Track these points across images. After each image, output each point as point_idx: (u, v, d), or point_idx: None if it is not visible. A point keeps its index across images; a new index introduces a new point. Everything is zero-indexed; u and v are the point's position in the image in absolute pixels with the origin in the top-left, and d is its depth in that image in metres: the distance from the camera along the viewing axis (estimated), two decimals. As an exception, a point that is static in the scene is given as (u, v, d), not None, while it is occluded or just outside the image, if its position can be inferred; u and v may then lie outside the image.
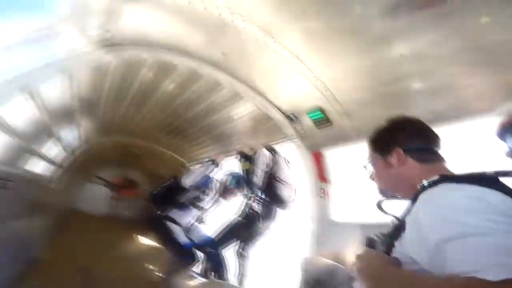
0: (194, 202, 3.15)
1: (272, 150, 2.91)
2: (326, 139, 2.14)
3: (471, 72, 1.30)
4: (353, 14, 1.25)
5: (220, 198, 3.20)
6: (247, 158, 2.68)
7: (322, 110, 1.95)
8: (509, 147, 0.93)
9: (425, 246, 0.64)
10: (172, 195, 3.06)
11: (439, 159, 0.90)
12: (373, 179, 1.04)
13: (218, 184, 3.17)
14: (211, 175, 3.09)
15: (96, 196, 5.65)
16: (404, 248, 0.74)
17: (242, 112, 2.44)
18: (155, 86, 2.19)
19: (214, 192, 3.21)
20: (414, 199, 0.78)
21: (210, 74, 1.90)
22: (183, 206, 3.07)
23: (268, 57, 1.70)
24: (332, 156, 2.22)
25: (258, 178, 2.66)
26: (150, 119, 2.98)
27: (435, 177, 0.78)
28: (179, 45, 1.71)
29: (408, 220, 0.75)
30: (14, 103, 1.28)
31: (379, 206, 0.90)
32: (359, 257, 0.86)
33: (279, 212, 2.88)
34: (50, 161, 2.57)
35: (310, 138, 2.21)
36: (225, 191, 3.12)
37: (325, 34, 1.44)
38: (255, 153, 2.73)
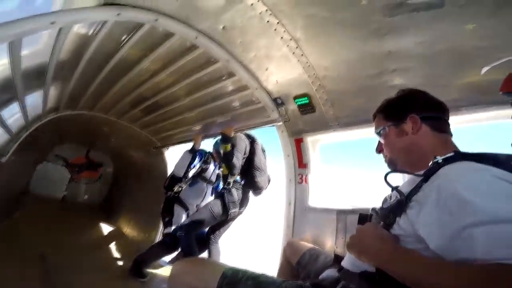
0: (201, 175, 3.27)
1: (250, 138, 2.97)
2: (308, 125, 2.22)
3: (448, 74, 1.42)
4: (358, 7, 1.31)
5: (217, 164, 3.30)
6: (228, 140, 2.68)
7: (308, 97, 2.03)
8: None
9: (448, 228, 0.61)
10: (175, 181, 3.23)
11: (450, 131, 0.91)
12: (380, 151, 1.05)
13: (214, 153, 3.28)
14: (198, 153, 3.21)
15: (52, 177, 5.18)
16: (413, 225, 0.71)
17: (230, 91, 2.42)
18: (143, 56, 2.08)
19: (213, 161, 3.35)
20: (427, 176, 0.75)
21: (206, 46, 1.86)
22: (192, 183, 3.25)
23: (268, 37, 1.72)
24: (312, 142, 2.30)
25: (239, 160, 2.70)
26: (125, 93, 2.79)
27: (449, 153, 0.76)
28: (181, 14, 1.66)
29: (422, 199, 0.72)
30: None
31: (385, 178, 0.87)
32: (359, 229, 0.83)
33: (252, 198, 2.98)
34: (7, 129, 2.27)
35: (293, 123, 2.28)
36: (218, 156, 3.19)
37: (326, 23, 1.49)
38: (234, 137, 2.78)
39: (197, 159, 3.23)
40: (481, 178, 0.64)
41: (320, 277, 1.16)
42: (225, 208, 2.76)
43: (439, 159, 0.76)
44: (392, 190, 0.88)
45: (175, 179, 3.25)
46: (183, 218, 3.13)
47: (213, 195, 3.03)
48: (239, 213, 2.98)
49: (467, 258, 0.57)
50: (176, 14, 1.66)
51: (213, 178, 3.31)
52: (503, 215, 0.56)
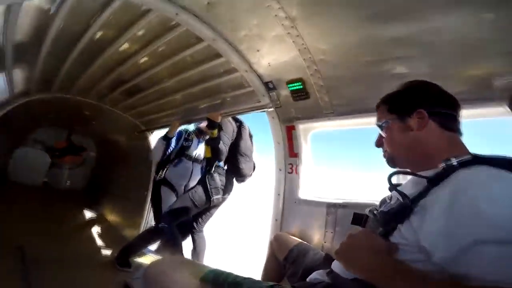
0: (184, 154, 3.15)
1: (237, 121, 2.83)
2: (300, 112, 2.10)
3: (455, 65, 1.32)
4: None
5: (201, 140, 3.21)
6: (215, 126, 2.54)
7: (303, 82, 1.89)
8: None
9: (457, 240, 0.57)
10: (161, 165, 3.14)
11: (459, 130, 0.83)
12: (380, 145, 0.96)
13: (196, 130, 3.21)
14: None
15: (32, 163, 4.93)
16: (416, 233, 0.66)
17: (217, 73, 2.26)
18: (118, 33, 1.89)
19: (196, 138, 3.24)
20: (438, 180, 0.68)
21: (188, 24, 1.68)
22: (176, 162, 3.12)
23: (261, 15, 1.55)
24: (304, 130, 2.19)
25: (226, 146, 2.59)
26: (105, 74, 2.59)
27: (465, 155, 0.68)
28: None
29: (430, 204, 0.66)
30: None
31: (389, 179, 0.82)
32: (350, 237, 0.77)
33: (235, 185, 2.89)
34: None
35: (285, 110, 2.15)
36: (200, 133, 3.16)
37: (326, 2, 1.35)
38: (222, 121, 2.63)
39: (173, 143, 3.15)
40: (506, 190, 0.58)
41: (308, 278, 1.09)
42: (208, 194, 2.63)
43: (454, 161, 0.68)
44: (396, 192, 0.78)
45: (158, 163, 3.17)
46: (172, 200, 3.01)
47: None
48: (223, 200, 2.86)
49: (471, 274, 0.54)
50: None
51: (199, 156, 3.20)
52: None
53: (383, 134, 0.93)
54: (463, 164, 0.67)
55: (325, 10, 1.40)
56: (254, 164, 2.94)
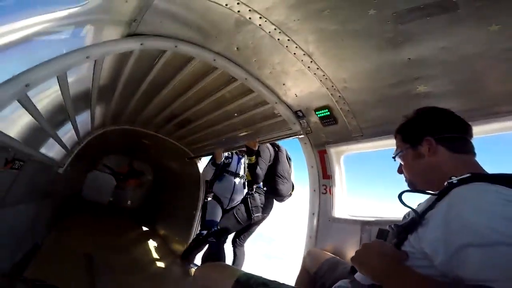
0: (226, 170, 3.50)
1: (276, 146, 3.03)
2: (331, 137, 2.20)
3: (475, 79, 1.33)
4: (367, 17, 1.29)
5: (241, 157, 3.55)
6: (252, 153, 2.77)
7: (329, 109, 2.01)
8: None
9: (450, 246, 0.63)
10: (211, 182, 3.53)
11: (471, 150, 0.88)
12: (401, 172, 1.03)
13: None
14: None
15: (101, 184, 5.75)
16: (420, 243, 0.73)
17: (251, 106, 2.51)
18: (170, 77, 2.27)
19: (236, 154, 3.59)
20: (440, 195, 0.75)
21: (224, 67, 1.97)
22: (220, 178, 3.47)
23: (281, 54, 1.75)
24: (336, 154, 2.27)
25: (262, 170, 2.78)
26: (160, 110, 3.05)
27: (466, 174, 0.74)
28: (197, 39, 1.79)
29: (431, 216, 0.73)
30: (44, 86, 1.36)
31: (400, 197, 0.88)
32: (365, 245, 0.86)
33: (275, 204, 3.04)
34: (63, 145, 2.64)
35: (316, 135, 2.27)
36: (239, 150, 3.45)
37: (338, 36, 1.48)
38: (259, 147, 2.88)
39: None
40: (491, 200, 0.63)
41: (333, 286, 1.16)
42: (249, 212, 2.88)
43: (454, 179, 0.75)
44: (409, 209, 0.87)
45: (209, 181, 3.56)
46: (218, 211, 3.32)
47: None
48: (263, 218, 3.06)
49: (460, 276, 0.59)
50: (193, 39, 1.79)
51: (240, 172, 3.49)
52: (498, 238, 0.56)
53: (401, 162, 1.01)
54: (461, 181, 0.73)
55: (339, 43, 1.53)
56: (292, 184, 3.08)
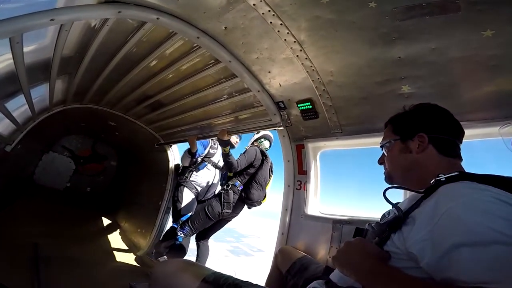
0: (209, 160, 3.48)
1: (264, 155, 3.00)
2: (310, 131, 2.17)
3: (461, 84, 1.35)
4: (367, 9, 1.25)
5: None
6: (225, 144, 2.73)
7: (312, 102, 1.98)
8: None
9: (439, 246, 0.60)
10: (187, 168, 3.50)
11: (458, 155, 0.87)
12: (381, 163, 1.01)
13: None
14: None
15: (58, 168, 5.22)
16: (405, 242, 0.70)
17: (232, 92, 2.39)
18: (146, 54, 2.08)
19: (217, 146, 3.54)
20: (427, 193, 0.74)
21: (207, 47, 1.84)
22: (200, 166, 3.44)
23: (271, 39, 1.67)
24: (313, 149, 2.25)
25: (240, 161, 2.73)
26: (131, 89, 2.81)
27: (454, 173, 0.74)
28: (183, 13, 1.63)
29: (417, 215, 0.71)
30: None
31: (384, 193, 0.87)
32: (347, 244, 0.82)
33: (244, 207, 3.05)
34: (13, 119, 2.31)
35: (295, 129, 2.24)
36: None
37: (333, 26, 1.43)
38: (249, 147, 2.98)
39: (201, 149, 3.44)
40: (480, 198, 0.62)
41: (307, 287, 1.11)
42: (220, 207, 2.86)
43: (442, 177, 0.74)
44: (393, 207, 0.85)
45: (184, 167, 3.49)
46: (194, 205, 3.26)
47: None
48: (231, 216, 3.06)
49: (452, 278, 0.56)
50: (178, 13, 1.63)
51: (221, 164, 3.47)
52: (494, 237, 0.54)
53: (385, 153, 0.99)
54: (449, 179, 0.72)
55: (331, 34, 1.48)
56: (265, 194, 3.09)
